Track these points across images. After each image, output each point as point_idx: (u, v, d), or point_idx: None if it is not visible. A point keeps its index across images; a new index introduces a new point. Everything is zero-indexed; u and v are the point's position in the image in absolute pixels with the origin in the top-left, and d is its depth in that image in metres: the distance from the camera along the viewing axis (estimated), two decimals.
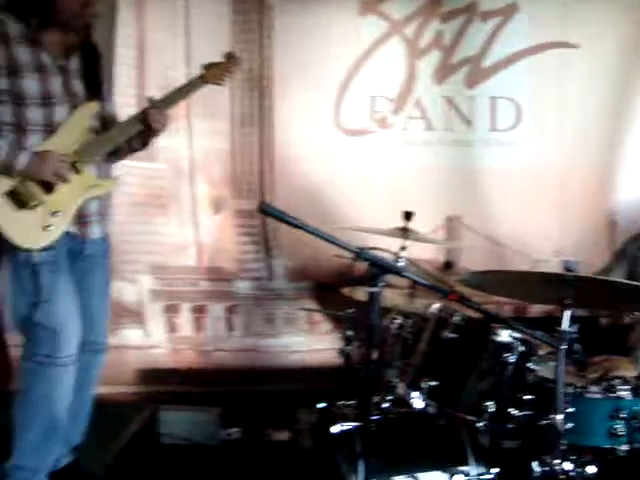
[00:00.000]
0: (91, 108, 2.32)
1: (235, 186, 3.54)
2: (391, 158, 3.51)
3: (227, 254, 3.60)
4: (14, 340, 2.86)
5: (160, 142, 2.59)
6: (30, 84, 2.19)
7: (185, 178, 3.51)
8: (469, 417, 2.10)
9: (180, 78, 3.36)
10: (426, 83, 3.47)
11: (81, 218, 2.31)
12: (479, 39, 3.44)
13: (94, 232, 2.38)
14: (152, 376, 3.52)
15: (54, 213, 2.21)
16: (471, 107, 3.49)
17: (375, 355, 1.88)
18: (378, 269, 1.78)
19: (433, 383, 2.15)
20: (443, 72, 3.46)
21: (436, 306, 2.39)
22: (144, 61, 3.47)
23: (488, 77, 3.47)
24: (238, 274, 3.60)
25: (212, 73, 2.44)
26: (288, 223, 1.73)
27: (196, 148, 3.46)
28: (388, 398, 2.36)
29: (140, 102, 3.35)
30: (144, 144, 2.45)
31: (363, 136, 3.54)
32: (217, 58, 2.46)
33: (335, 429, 2.26)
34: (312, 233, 1.76)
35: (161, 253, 3.55)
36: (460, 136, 3.50)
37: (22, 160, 2.15)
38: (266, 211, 1.76)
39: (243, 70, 3.31)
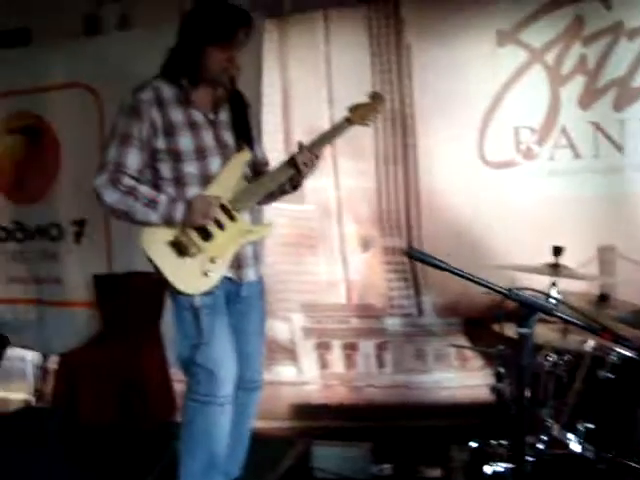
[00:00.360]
0: (243, 157, 2.50)
1: (382, 224, 3.61)
2: (537, 189, 3.41)
3: (376, 291, 3.66)
4: (178, 375, 3.06)
5: (308, 184, 2.69)
6: (185, 141, 2.41)
7: (333, 218, 3.64)
8: (634, 464, 1.99)
9: (324, 120, 3.58)
10: (571, 110, 3.35)
11: (237, 262, 2.48)
12: (627, 59, 3.27)
13: (249, 275, 2.54)
14: (305, 411, 3.64)
15: (213, 260, 2.39)
16: (621, 131, 3.32)
17: (528, 393, 1.84)
18: (528, 309, 1.75)
19: (590, 426, 2.06)
20: (588, 97, 3.33)
21: (591, 343, 2.29)
22: (289, 106, 3.67)
23: (638, 98, 3.29)
24: (387, 311, 3.65)
25: (358, 114, 2.53)
26: (435, 266, 1.76)
27: (343, 188, 3.59)
28: (542, 439, 2.28)
29: (287, 147, 3.55)
30: (294, 187, 2.59)
31: (508, 168, 3.47)
32: (359, 99, 2.56)
33: (488, 469, 2.23)
34: (459, 275, 1.78)
35: (312, 291, 3.69)
36: (610, 162, 3.33)
37: (179, 210, 2.36)
38: (413, 255, 1.82)
39: (385, 109, 3.38)
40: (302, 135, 3.62)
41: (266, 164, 2.72)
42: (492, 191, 3.49)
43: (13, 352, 4.21)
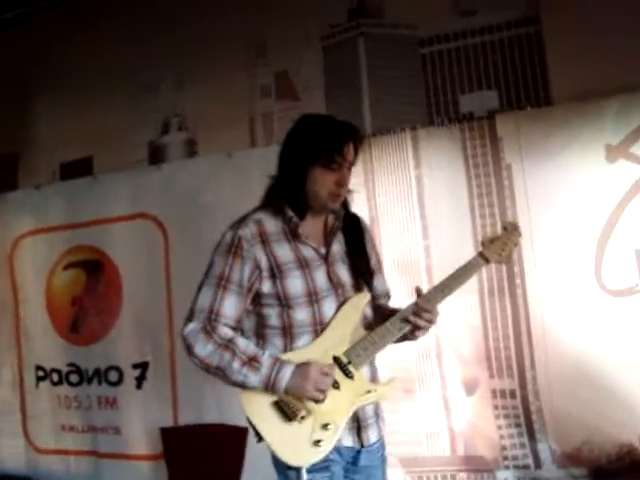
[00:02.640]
0: (361, 301, 2.10)
1: (489, 363, 3.18)
2: None
3: (485, 440, 3.18)
4: None
5: None
6: (295, 283, 2.02)
7: (433, 357, 3.23)
8: None
9: (418, 253, 3.26)
10: None
11: (357, 423, 2.05)
12: None
13: (370, 437, 2.09)
14: None
15: (325, 426, 1.95)
16: None
17: None
18: None
19: None
20: None
21: None
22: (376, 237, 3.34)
23: None
24: (499, 463, 3.16)
25: (494, 250, 2.13)
26: None
27: (444, 325, 3.19)
28: None
29: None
30: (413, 337, 2.18)
31: (631, 296, 3.07)
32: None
33: None
34: None
35: (411, 443, 3.22)
36: None
37: (285, 376, 1.94)
38: None
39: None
40: (391, 271, 3.33)
41: (387, 296, 2.34)
42: (614, 322, 3.06)
43: None
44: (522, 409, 3.14)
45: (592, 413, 3.00)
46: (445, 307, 3.16)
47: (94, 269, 3.88)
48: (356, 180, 3.31)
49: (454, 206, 3.26)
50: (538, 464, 3.14)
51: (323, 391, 1.95)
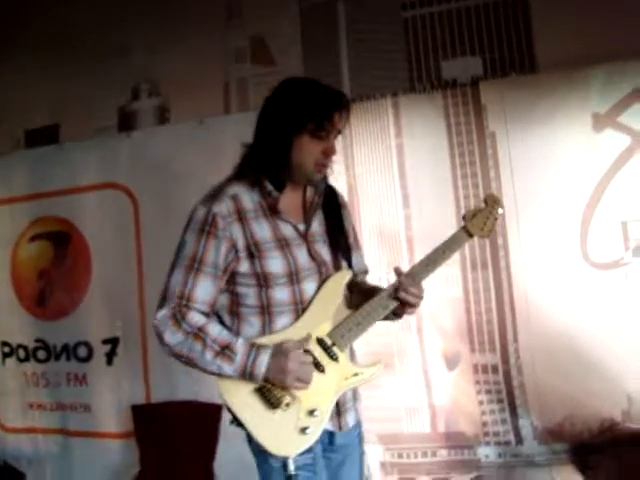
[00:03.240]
0: (342, 278, 1.98)
1: (471, 337, 3.10)
2: None
3: (466, 416, 3.11)
4: None
5: None
6: (274, 262, 1.89)
7: (413, 331, 3.13)
8: None
9: (398, 224, 3.15)
10: None
11: (337, 408, 1.94)
12: None
13: (349, 421, 2.00)
14: None
15: (311, 412, 1.85)
16: None
17: None
18: None
19: None
20: None
21: None
22: (354, 206, 3.23)
23: None
24: (480, 439, 3.09)
25: (476, 224, 2.02)
26: None
27: (424, 298, 3.09)
28: None
29: None
30: (398, 316, 2.08)
31: (617, 269, 3.00)
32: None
33: None
34: None
35: (390, 419, 3.14)
36: None
37: (262, 363, 1.80)
38: None
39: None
40: (370, 241, 3.22)
41: (365, 272, 2.23)
42: (599, 296, 2.99)
43: None
44: (504, 384, 3.06)
45: (575, 387, 2.93)
46: (427, 279, 3.10)
47: (61, 241, 3.71)
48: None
49: (436, 175, 3.14)
50: (520, 440, 3.07)
51: (307, 382, 1.84)
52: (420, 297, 1.98)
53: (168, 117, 3.77)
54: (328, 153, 1.93)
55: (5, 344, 3.86)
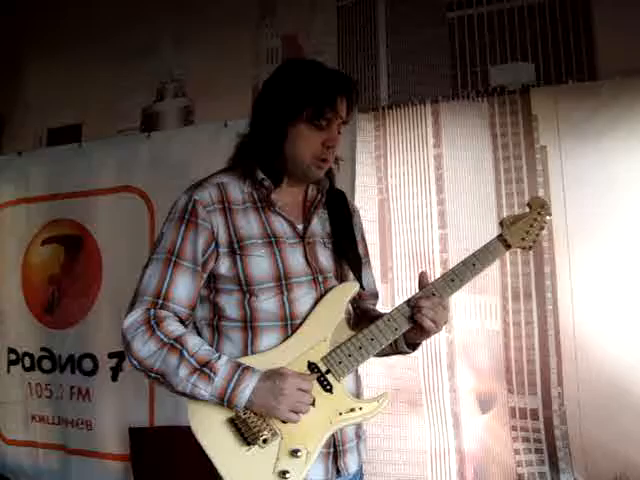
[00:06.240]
0: (347, 291, 1.67)
1: (509, 377, 2.73)
2: None
3: (498, 466, 2.73)
4: None
5: None
6: (258, 264, 1.60)
7: (443, 367, 2.79)
8: None
9: (434, 243, 2.83)
10: None
11: (334, 448, 1.63)
12: None
13: (350, 465, 1.67)
14: None
15: (293, 453, 1.52)
16: None
17: None
18: None
19: None
20: None
21: None
22: (386, 221, 2.93)
23: None
24: None
25: (516, 232, 1.69)
26: None
27: (456, 328, 2.75)
28: None
29: (384, 277, 2.78)
30: (413, 346, 1.75)
31: None
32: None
33: None
34: None
35: (412, 464, 2.79)
36: None
37: (246, 389, 1.51)
38: None
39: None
40: (401, 263, 2.90)
41: (376, 296, 1.92)
42: None
43: None
44: (544, 433, 2.69)
45: (628, 443, 2.54)
46: (461, 308, 2.76)
47: (73, 245, 3.50)
48: (367, 157, 2.93)
49: (478, 192, 2.82)
50: None
51: (300, 412, 1.53)
52: (438, 321, 1.63)
53: (193, 119, 3.55)
54: (329, 144, 1.64)
55: (12, 351, 3.66)
